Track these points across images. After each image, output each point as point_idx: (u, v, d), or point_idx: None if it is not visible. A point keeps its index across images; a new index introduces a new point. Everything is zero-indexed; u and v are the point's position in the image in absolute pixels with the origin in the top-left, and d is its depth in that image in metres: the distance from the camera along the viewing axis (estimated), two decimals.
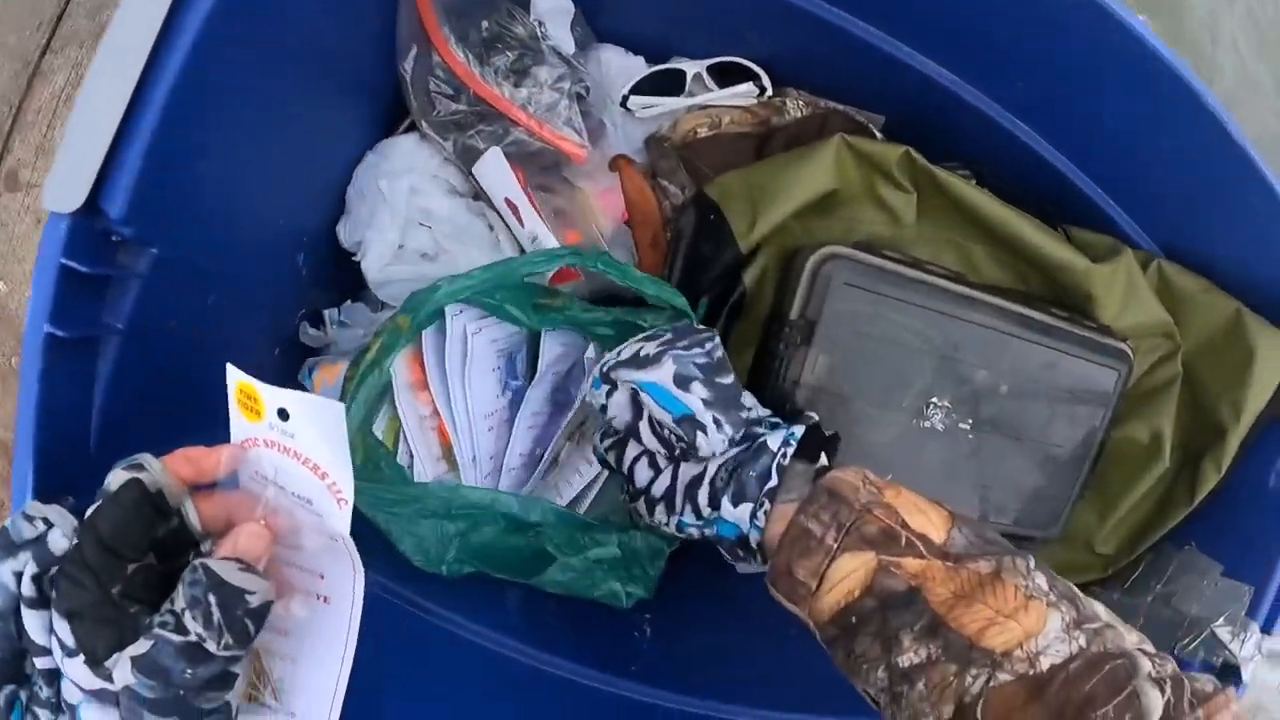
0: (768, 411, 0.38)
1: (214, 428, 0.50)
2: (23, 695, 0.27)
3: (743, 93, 0.54)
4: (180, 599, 0.25)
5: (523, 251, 0.52)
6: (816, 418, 0.36)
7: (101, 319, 0.36)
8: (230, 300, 0.44)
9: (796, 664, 0.57)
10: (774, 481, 0.34)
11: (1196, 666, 0.56)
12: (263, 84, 0.41)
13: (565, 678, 0.47)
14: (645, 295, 0.44)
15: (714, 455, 0.36)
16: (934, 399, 0.49)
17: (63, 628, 0.25)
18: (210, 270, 0.42)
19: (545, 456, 0.48)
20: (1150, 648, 0.29)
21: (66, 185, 0.33)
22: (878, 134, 0.55)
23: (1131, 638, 0.29)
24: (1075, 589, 0.31)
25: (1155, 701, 0.26)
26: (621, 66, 0.56)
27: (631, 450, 0.39)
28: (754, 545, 0.35)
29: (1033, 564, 0.30)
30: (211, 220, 0.41)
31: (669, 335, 0.38)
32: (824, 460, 0.35)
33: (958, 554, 0.30)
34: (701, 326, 0.41)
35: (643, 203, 0.52)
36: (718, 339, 0.38)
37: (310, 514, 0.29)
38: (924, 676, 0.29)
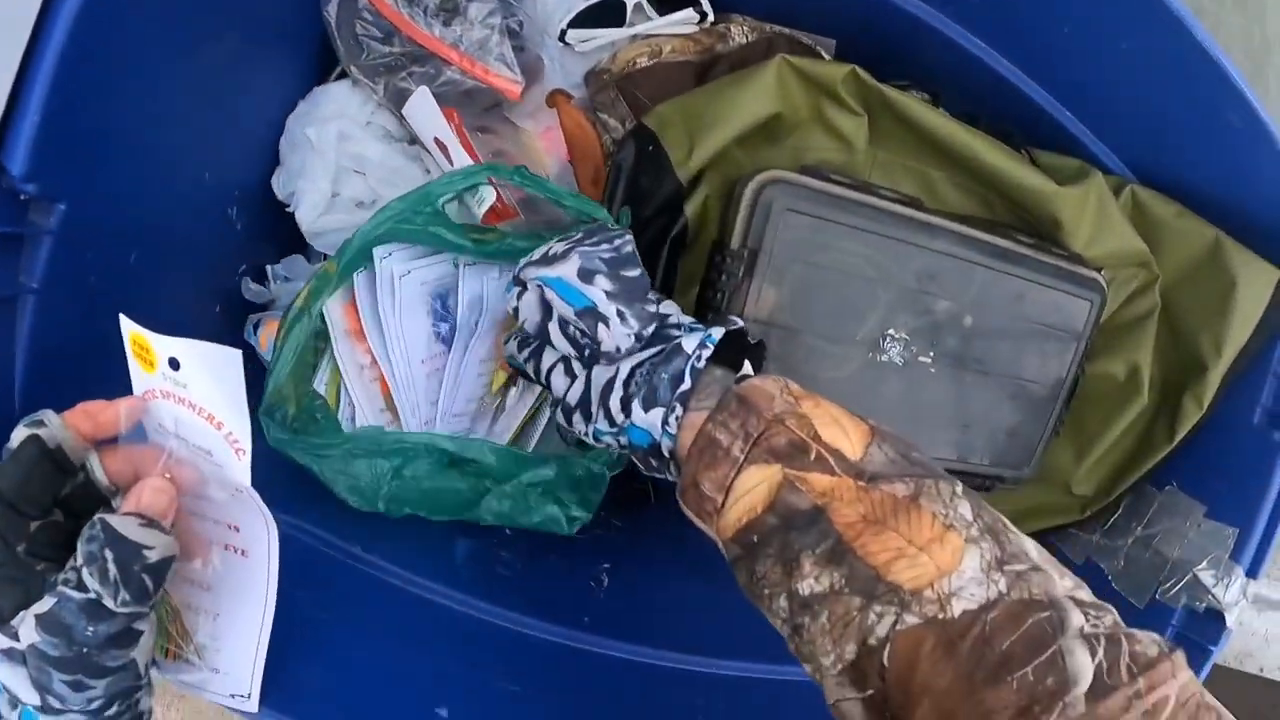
0: (690, 318, 0.36)
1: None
2: None
3: (683, 19, 0.52)
4: (80, 555, 0.25)
5: None
6: (741, 323, 0.34)
7: (17, 279, 0.35)
8: (157, 257, 0.43)
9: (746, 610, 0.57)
10: (687, 384, 0.32)
11: (1179, 612, 0.55)
12: (173, 30, 0.40)
13: (515, 630, 0.46)
14: (565, 208, 0.42)
15: (622, 353, 0.34)
16: (890, 331, 0.48)
17: None
18: (129, 226, 0.41)
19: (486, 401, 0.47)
20: (1086, 595, 0.25)
21: None
22: (826, 56, 0.53)
23: (1065, 583, 0.25)
24: (1005, 523, 0.28)
25: (1084, 664, 0.22)
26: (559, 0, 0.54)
27: (548, 358, 0.38)
28: (666, 454, 0.33)
29: (958, 490, 0.28)
30: (125, 174, 0.40)
31: (579, 235, 0.37)
32: (747, 369, 0.34)
33: (873, 473, 0.28)
34: (614, 226, 0.40)
35: (581, 138, 0.51)
36: (629, 236, 0.37)
37: (212, 465, 0.29)
38: (826, 608, 0.26)
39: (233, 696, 0.33)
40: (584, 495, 0.46)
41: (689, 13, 0.51)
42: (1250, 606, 0.67)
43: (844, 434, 0.29)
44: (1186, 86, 0.48)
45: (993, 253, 0.49)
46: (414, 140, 0.52)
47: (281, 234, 0.55)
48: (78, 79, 0.33)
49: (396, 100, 0.51)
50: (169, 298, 0.48)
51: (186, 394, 0.28)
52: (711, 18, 0.52)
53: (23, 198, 0.35)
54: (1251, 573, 0.54)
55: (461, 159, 0.47)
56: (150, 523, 0.26)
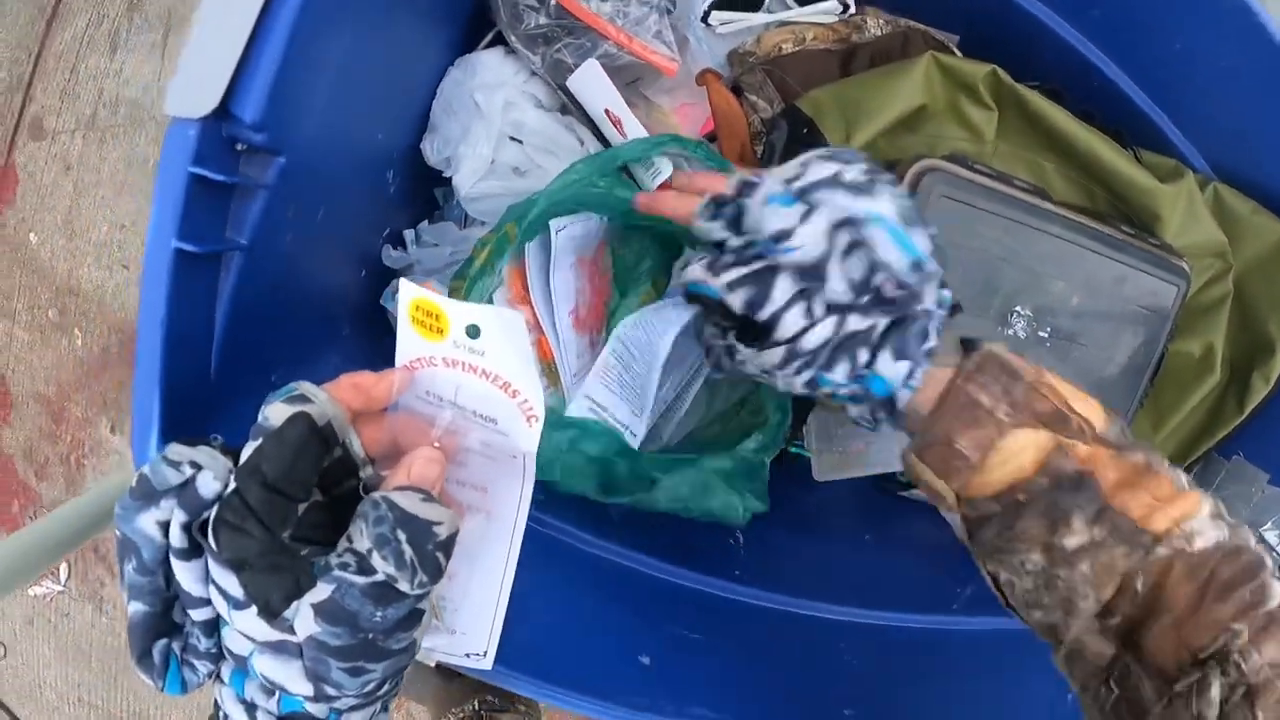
0: None
1: (316, 353, 0.52)
2: (176, 647, 0.26)
3: (825, 9, 0.58)
4: (365, 538, 0.24)
5: None
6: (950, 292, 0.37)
7: (224, 234, 0.37)
8: (335, 217, 0.46)
9: (872, 566, 0.64)
10: (933, 341, 0.34)
11: None
12: (365, 19, 0.43)
13: (681, 585, 0.52)
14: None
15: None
16: (1017, 308, 0.55)
17: (228, 579, 0.24)
18: (322, 184, 0.43)
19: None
20: (1268, 556, 0.34)
21: (195, 89, 0.33)
22: (956, 52, 0.60)
23: (1254, 540, 0.33)
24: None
25: (1277, 591, 0.31)
26: None
27: (783, 290, 0.34)
28: (900, 407, 0.35)
29: (1168, 461, 0.34)
30: (327, 133, 0.43)
31: (861, 162, 0.35)
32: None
33: (1118, 444, 0.33)
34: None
35: (731, 115, 0.56)
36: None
37: (494, 433, 0.29)
38: (1090, 558, 0.32)
39: (468, 656, 0.34)
40: (757, 486, 0.51)
41: (833, 3, 0.57)
42: None
43: (1090, 407, 0.34)
44: (1272, 101, 0.57)
45: (1101, 239, 0.57)
46: (565, 110, 0.56)
47: (420, 199, 0.59)
48: (304, 37, 0.35)
49: (553, 70, 0.55)
50: (336, 260, 0.51)
51: (481, 362, 0.28)
52: (852, 9, 0.58)
53: (240, 148, 0.36)
54: None
55: (635, 129, 0.52)
56: (430, 497, 0.25)
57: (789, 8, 0.59)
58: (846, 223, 0.33)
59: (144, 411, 0.34)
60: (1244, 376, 0.65)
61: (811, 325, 0.34)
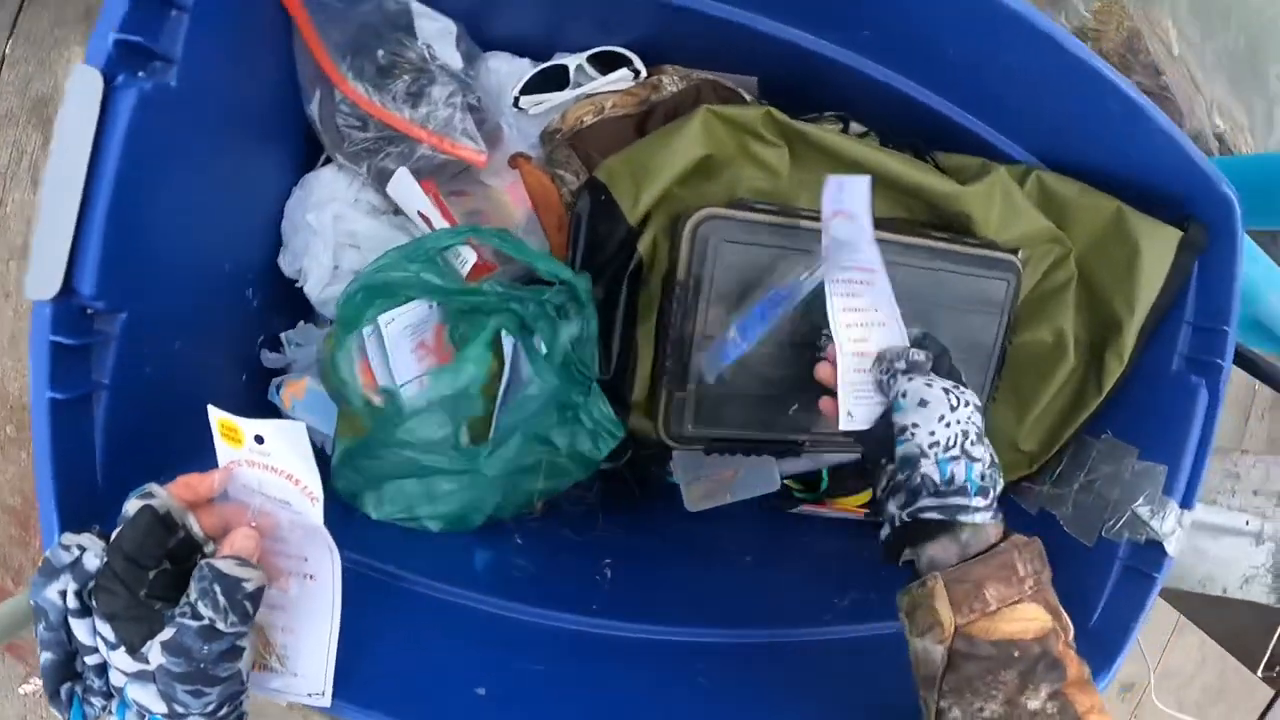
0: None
1: (198, 450, 0.61)
2: (78, 689, 0.36)
3: (620, 78, 0.63)
4: (193, 592, 0.35)
5: None
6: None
7: (91, 378, 0.47)
8: (195, 342, 0.56)
9: (749, 586, 0.68)
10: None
11: (1123, 546, 0.65)
12: (194, 152, 0.51)
13: (533, 621, 0.58)
14: (537, 269, 0.54)
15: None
16: (825, 331, 0.59)
17: (105, 628, 0.34)
18: (173, 320, 0.53)
19: None
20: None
21: (43, 277, 0.42)
22: (748, 97, 0.64)
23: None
24: None
25: None
26: (509, 70, 0.66)
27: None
28: (967, 518, 0.43)
29: None
30: (168, 277, 0.51)
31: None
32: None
33: (1076, 651, 0.43)
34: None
35: (543, 193, 0.62)
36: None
37: (291, 513, 0.39)
38: None
39: (310, 695, 0.43)
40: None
41: (624, 72, 0.63)
42: (1209, 534, 0.78)
43: (1068, 620, 0.43)
44: (1067, 86, 0.59)
45: (909, 250, 0.60)
46: (398, 211, 0.64)
47: (290, 304, 0.67)
48: (126, 206, 0.44)
49: (379, 178, 0.63)
50: (206, 374, 0.60)
51: (270, 461, 0.38)
52: (644, 74, 0.63)
53: (90, 312, 0.46)
54: (1186, 504, 0.65)
55: (443, 226, 0.59)
56: (244, 562, 0.36)
57: (593, 79, 0.65)
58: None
59: (46, 519, 0.44)
60: (1099, 357, 0.67)
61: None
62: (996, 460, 0.46)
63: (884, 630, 0.65)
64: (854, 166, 0.60)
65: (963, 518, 0.43)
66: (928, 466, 0.44)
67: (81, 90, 0.41)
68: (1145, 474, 0.65)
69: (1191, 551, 0.75)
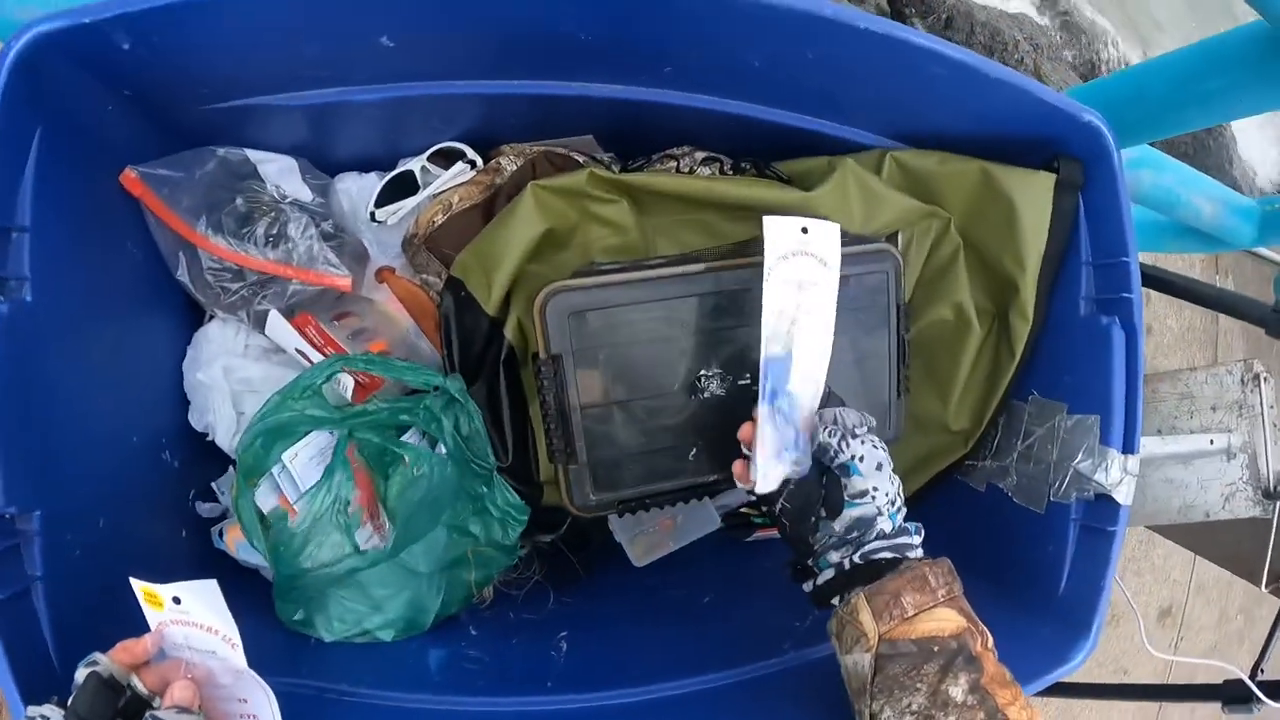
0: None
1: (140, 614, 0.65)
2: None
3: (458, 171, 0.65)
4: None
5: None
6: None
7: (25, 573, 0.51)
8: (120, 514, 0.60)
9: (708, 629, 0.69)
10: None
11: (1074, 505, 0.64)
12: (69, 350, 0.55)
13: (488, 710, 0.60)
14: (408, 383, 0.57)
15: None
16: (703, 371, 0.60)
17: None
18: (91, 501, 0.57)
19: None
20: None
21: None
22: (580, 158, 0.66)
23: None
24: None
25: None
26: (360, 187, 0.69)
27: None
28: (890, 542, 0.47)
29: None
30: (74, 467, 0.55)
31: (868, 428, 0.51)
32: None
33: (995, 655, 0.46)
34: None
35: (413, 300, 0.65)
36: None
37: (217, 660, 0.45)
38: (957, 714, 0.43)
39: None
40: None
41: (460, 165, 0.65)
42: (1177, 463, 0.75)
43: (984, 627, 0.47)
44: (884, 64, 0.58)
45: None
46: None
47: (214, 454, 0.71)
48: (14, 420, 0.48)
49: (261, 322, 0.66)
50: (140, 540, 0.64)
51: (189, 617, 0.44)
52: (480, 163, 0.66)
53: (6, 516, 0.50)
54: (1128, 448, 0.63)
55: (319, 359, 0.62)
56: (183, 709, 0.42)
57: (438, 175, 0.67)
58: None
59: (13, 703, 0.48)
60: (1004, 320, 0.66)
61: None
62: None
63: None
64: (693, 202, 0.61)
65: (910, 554, 0.48)
66: (882, 523, 0.48)
67: None
68: (1078, 427, 0.64)
69: (1164, 484, 0.73)
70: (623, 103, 0.63)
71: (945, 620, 0.45)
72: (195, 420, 0.67)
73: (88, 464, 0.58)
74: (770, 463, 0.50)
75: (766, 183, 0.62)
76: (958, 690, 0.43)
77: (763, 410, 0.50)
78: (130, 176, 0.61)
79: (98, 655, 0.43)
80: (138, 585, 0.44)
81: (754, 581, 0.73)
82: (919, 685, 0.43)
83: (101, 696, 0.41)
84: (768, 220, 0.51)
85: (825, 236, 0.52)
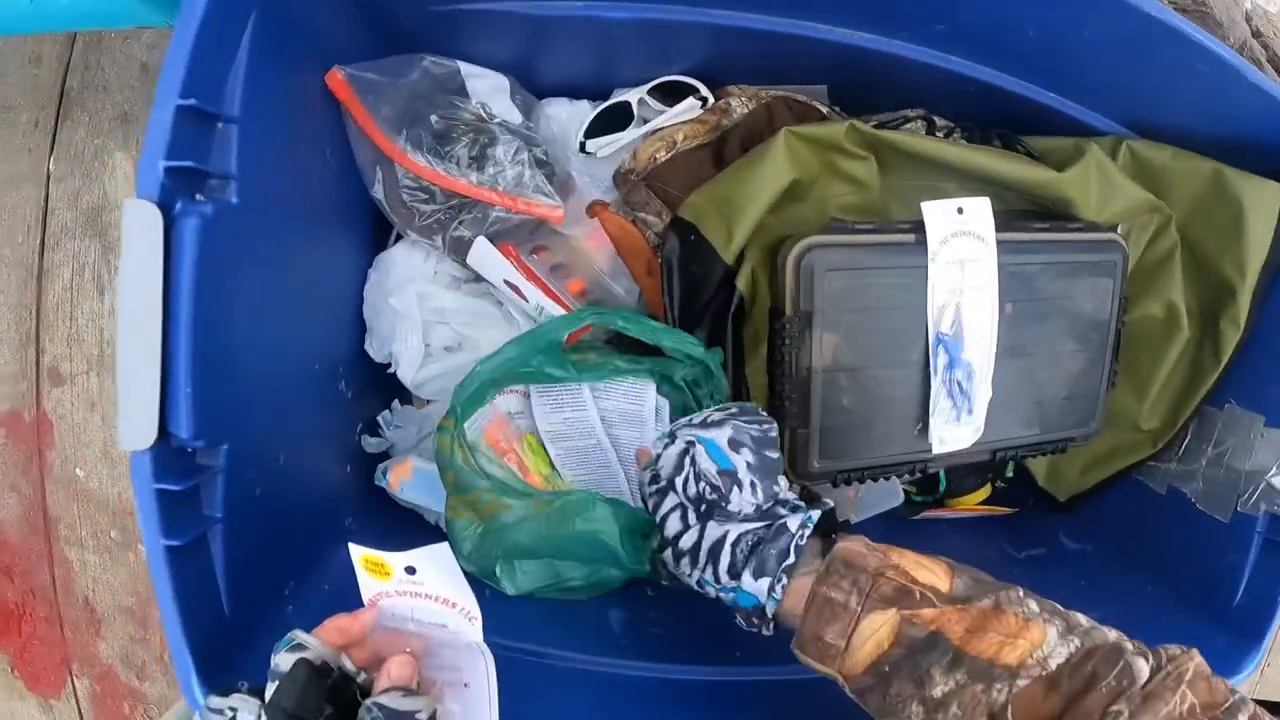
0: (794, 495, 0.48)
1: (319, 557, 0.62)
2: None
3: (687, 108, 0.63)
4: None
5: (534, 320, 0.63)
6: (832, 504, 0.46)
7: (204, 515, 0.47)
8: (298, 450, 0.56)
9: None
10: (791, 559, 0.43)
11: (1262, 518, 0.66)
12: (266, 263, 0.51)
13: (676, 679, 0.59)
14: (664, 347, 0.55)
15: (738, 516, 0.45)
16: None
17: None
18: (275, 435, 0.53)
19: None
20: (1127, 640, 0.40)
21: (136, 428, 0.42)
22: (823, 108, 0.64)
23: (1111, 634, 0.40)
24: (1058, 605, 0.41)
25: (1143, 667, 0.37)
26: (570, 115, 0.66)
27: (669, 501, 0.48)
28: (769, 615, 0.44)
29: (1023, 593, 0.41)
30: (262, 396, 0.51)
31: (735, 410, 0.49)
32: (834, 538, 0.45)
33: (964, 597, 0.40)
34: (764, 412, 0.51)
35: (626, 239, 0.63)
36: (774, 423, 0.49)
37: (448, 633, 0.40)
38: (956, 700, 0.38)
39: None
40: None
41: (691, 101, 0.63)
42: None
43: (933, 574, 0.41)
44: (1153, 52, 0.58)
45: (1011, 246, 0.61)
46: (479, 278, 0.64)
47: (383, 387, 0.68)
48: (208, 338, 0.43)
49: (456, 249, 0.63)
50: (313, 477, 0.61)
51: (423, 589, 0.39)
52: (711, 100, 0.64)
53: (191, 450, 0.46)
54: None
55: (533, 293, 0.60)
56: (409, 692, 0.35)
57: (659, 112, 0.65)
58: (687, 448, 0.47)
59: (182, 665, 0.44)
60: (1214, 325, 0.67)
61: (685, 530, 0.47)
62: None
63: None
64: (946, 168, 0.61)
65: (754, 615, 0.45)
66: (708, 588, 0.46)
67: (140, 227, 0.40)
68: (1276, 441, 0.66)
69: None
70: (872, 55, 0.61)
71: (877, 632, 0.40)
72: (374, 349, 0.64)
73: (274, 394, 0.54)
74: (948, 428, 0.56)
75: (1017, 156, 0.62)
76: (939, 687, 0.39)
77: (936, 383, 0.56)
78: (337, 78, 0.58)
79: (303, 636, 0.36)
80: (359, 552, 0.38)
81: None
82: (900, 706, 0.40)
83: (312, 686, 0.35)
84: (926, 206, 0.55)
85: (979, 213, 0.57)
